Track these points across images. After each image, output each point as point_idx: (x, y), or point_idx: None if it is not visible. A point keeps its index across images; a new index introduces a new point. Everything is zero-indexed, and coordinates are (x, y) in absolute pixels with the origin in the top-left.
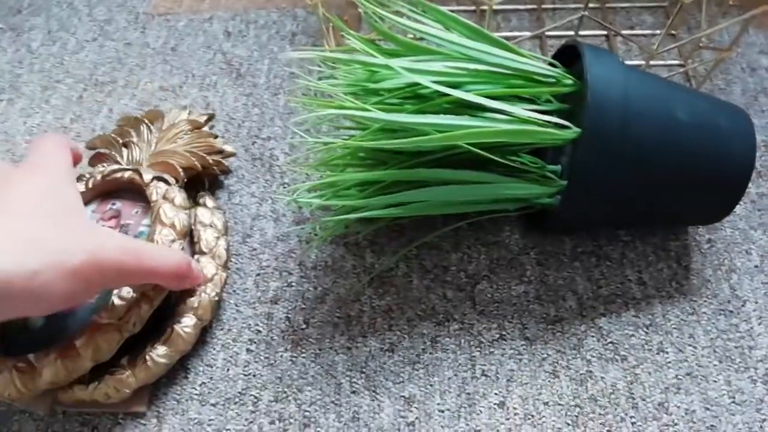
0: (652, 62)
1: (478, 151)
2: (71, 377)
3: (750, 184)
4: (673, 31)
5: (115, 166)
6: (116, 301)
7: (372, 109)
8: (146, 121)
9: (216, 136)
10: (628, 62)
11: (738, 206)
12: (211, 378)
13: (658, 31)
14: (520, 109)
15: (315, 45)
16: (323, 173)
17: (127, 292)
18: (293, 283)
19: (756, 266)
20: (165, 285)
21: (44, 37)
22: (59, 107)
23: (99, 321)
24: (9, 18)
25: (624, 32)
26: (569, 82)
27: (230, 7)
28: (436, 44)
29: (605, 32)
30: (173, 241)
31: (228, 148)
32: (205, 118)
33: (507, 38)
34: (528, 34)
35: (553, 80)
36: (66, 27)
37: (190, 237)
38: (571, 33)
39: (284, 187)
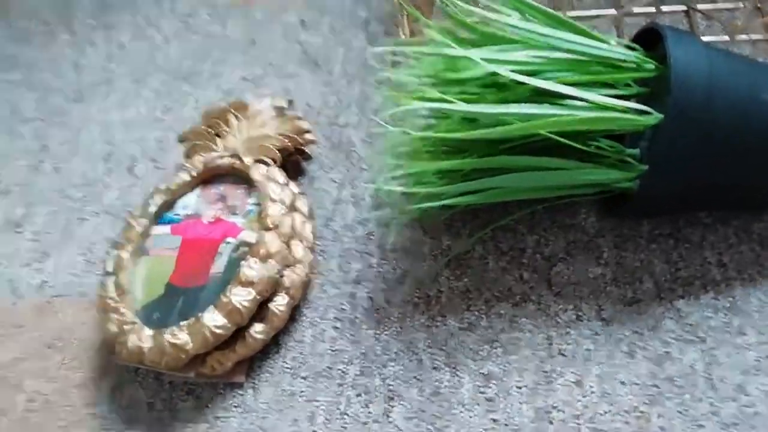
0: (736, 38)
1: (559, 138)
2: (217, 343)
3: None
4: (759, 4)
5: (216, 154)
6: (246, 271)
7: (454, 100)
8: (233, 111)
9: (301, 118)
10: (709, 38)
11: None
12: (301, 353)
13: (741, 4)
14: (600, 96)
15: (387, 31)
16: (401, 162)
17: (255, 261)
18: (374, 265)
19: None
20: None
21: (133, 33)
22: (150, 100)
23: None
24: (100, 16)
25: (706, 6)
26: (650, 66)
27: None
28: (514, 33)
29: (685, 7)
30: (285, 214)
31: (309, 135)
32: (286, 102)
33: (583, 17)
34: (605, 12)
35: (634, 65)
36: (152, 22)
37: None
38: (651, 9)
39: (363, 173)
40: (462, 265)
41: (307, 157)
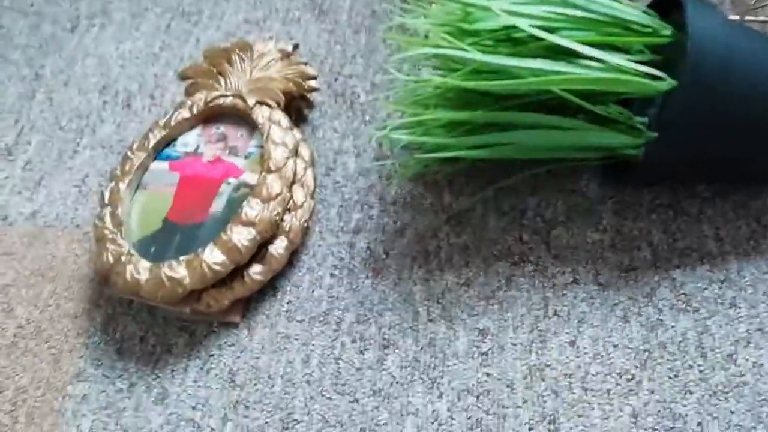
0: (746, 17)
1: (571, 97)
2: (214, 280)
3: None
4: None
5: (217, 93)
6: (248, 211)
7: (469, 49)
8: (236, 51)
9: (306, 63)
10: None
11: None
12: (297, 297)
13: None
14: (615, 58)
15: None
16: (410, 111)
17: (256, 202)
18: (374, 216)
19: None
20: None
21: None
22: (148, 35)
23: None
24: None
25: None
26: (667, 32)
27: None
28: None
29: None
30: (288, 158)
31: (313, 82)
32: (291, 46)
33: None
34: None
35: (650, 30)
36: None
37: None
38: None
39: (366, 124)
40: (462, 222)
41: (310, 105)
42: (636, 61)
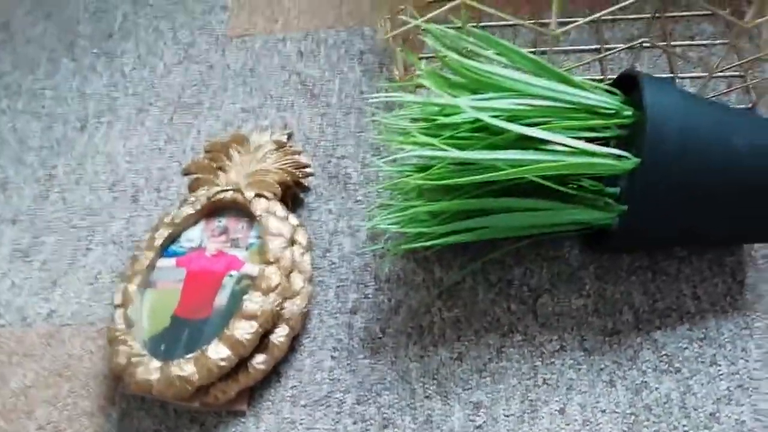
0: (717, 74)
1: (545, 182)
2: (221, 374)
3: None
4: (734, 42)
5: (218, 188)
6: (248, 305)
7: (443, 146)
8: (234, 145)
9: (300, 152)
10: (687, 74)
11: None
12: (300, 381)
13: (717, 41)
14: (581, 142)
15: (382, 64)
16: (395, 202)
17: (257, 295)
18: (370, 295)
19: None
20: None
21: (135, 61)
22: (153, 129)
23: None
24: (102, 43)
25: (683, 43)
26: (628, 113)
27: (302, 26)
28: (502, 80)
29: (664, 43)
30: (285, 248)
31: (308, 169)
32: (286, 136)
33: (569, 50)
34: (588, 56)
35: (613, 111)
36: (154, 51)
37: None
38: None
39: (359, 204)
40: (453, 296)
41: (305, 189)
42: (604, 138)
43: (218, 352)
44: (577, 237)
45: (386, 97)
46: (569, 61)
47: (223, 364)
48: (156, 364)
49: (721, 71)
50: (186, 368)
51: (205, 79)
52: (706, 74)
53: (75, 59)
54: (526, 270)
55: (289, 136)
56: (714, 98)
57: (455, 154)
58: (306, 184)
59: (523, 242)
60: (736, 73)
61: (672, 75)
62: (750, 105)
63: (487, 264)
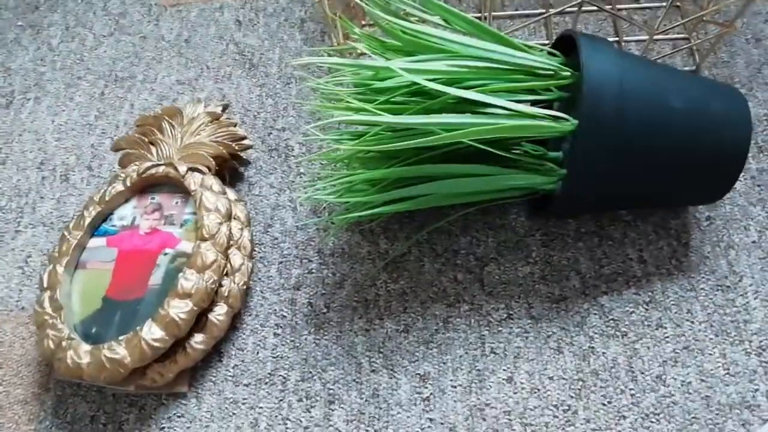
0: (656, 37)
1: (482, 146)
2: (156, 356)
3: (750, 160)
4: (678, 3)
5: (149, 163)
6: (183, 283)
7: (377, 111)
8: (166, 118)
9: (235, 124)
10: (631, 38)
11: (738, 182)
12: (242, 361)
13: (663, 3)
14: (519, 105)
15: (323, 32)
16: (335, 168)
17: (191, 273)
18: (313, 270)
19: (753, 242)
20: None
21: (63, 33)
22: (83, 104)
23: (171, 301)
24: (28, 15)
25: (628, 6)
26: (567, 74)
27: None
28: (439, 42)
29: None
30: (221, 223)
31: (246, 141)
32: (221, 108)
33: (514, 16)
34: (532, 16)
35: (552, 72)
36: (83, 22)
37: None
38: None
39: (301, 177)
40: (399, 268)
41: (244, 163)
42: (547, 100)
43: (152, 332)
44: (524, 204)
45: (311, 61)
46: (515, 24)
47: (157, 345)
48: (86, 347)
49: (665, 33)
50: (118, 351)
51: (137, 50)
52: (648, 39)
53: None
54: (472, 239)
55: (225, 108)
56: (659, 61)
57: (388, 119)
58: (245, 157)
59: (470, 210)
60: (681, 36)
61: (617, 38)
62: (694, 67)
63: (433, 234)
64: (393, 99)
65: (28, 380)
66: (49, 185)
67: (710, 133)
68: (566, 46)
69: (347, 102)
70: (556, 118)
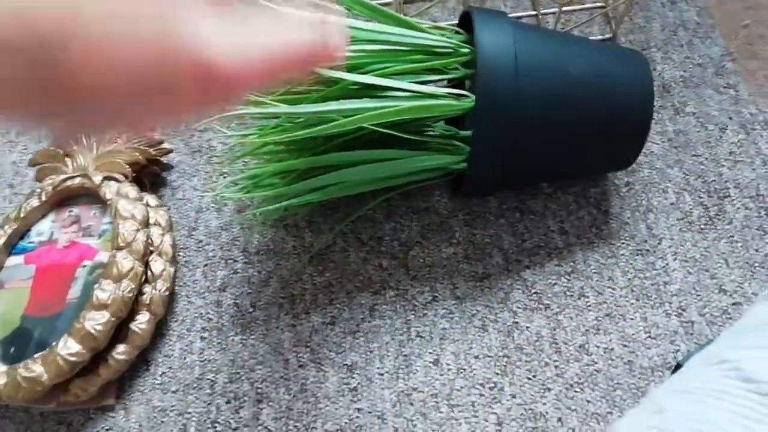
0: (571, 7)
1: (382, 130)
2: (74, 371)
3: (667, 122)
4: None
5: (64, 176)
6: (99, 294)
7: (272, 102)
8: None
9: (152, 129)
10: (549, 10)
11: (655, 145)
12: (170, 367)
13: None
14: (418, 86)
15: None
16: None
17: (107, 283)
18: (239, 270)
19: (672, 203)
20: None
21: None
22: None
23: (87, 313)
24: None
25: None
26: (465, 50)
27: None
28: None
29: None
30: (137, 230)
31: (166, 145)
32: None
33: None
34: None
35: (451, 50)
36: None
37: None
38: None
39: (224, 177)
40: (325, 260)
41: (166, 167)
42: (453, 79)
43: (68, 347)
44: (446, 186)
45: None
46: (427, 5)
47: (73, 359)
48: (2, 368)
49: (581, 3)
50: (34, 368)
51: None
52: (559, 7)
53: None
54: (396, 224)
55: None
56: (575, 30)
57: (283, 109)
58: (165, 161)
59: (393, 194)
60: (598, 4)
61: (535, 12)
62: (611, 34)
63: (357, 223)
64: (293, 89)
65: None
66: None
67: (611, 97)
68: (469, 23)
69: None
70: (458, 96)
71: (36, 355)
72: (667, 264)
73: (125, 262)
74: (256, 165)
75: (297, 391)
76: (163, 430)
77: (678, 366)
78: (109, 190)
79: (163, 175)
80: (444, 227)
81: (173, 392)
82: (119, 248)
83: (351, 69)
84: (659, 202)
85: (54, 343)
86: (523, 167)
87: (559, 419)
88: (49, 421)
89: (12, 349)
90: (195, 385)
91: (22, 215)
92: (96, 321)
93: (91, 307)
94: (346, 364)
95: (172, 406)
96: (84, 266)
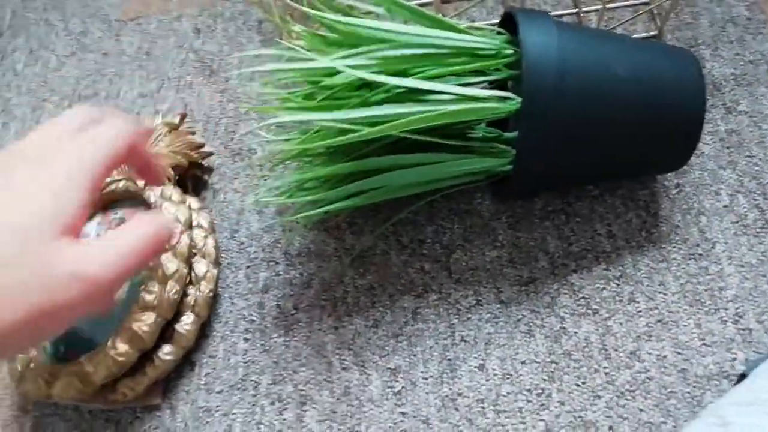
0: (614, 4)
1: (415, 137)
2: (123, 370)
3: (719, 121)
4: None
5: (108, 179)
6: (145, 296)
7: (309, 110)
8: None
9: (194, 132)
10: (591, 8)
11: (706, 146)
12: (214, 368)
13: None
14: (461, 88)
15: (281, 31)
16: (296, 167)
17: (153, 285)
18: (281, 272)
19: (725, 206)
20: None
21: (27, 57)
22: None
23: (134, 314)
24: None
25: None
26: (509, 52)
27: (197, 2)
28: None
29: None
30: (181, 233)
31: (207, 148)
32: (179, 118)
33: None
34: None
35: (494, 52)
36: (45, 44)
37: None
38: None
39: (264, 180)
40: (366, 263)
41: (208, 170)
42: (496, 80)
43: (117, 347)
44: (489, 188)
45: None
46: (467, 5)
47: (122, 359)
48: (53, 367)
49: (624, 0)
50: (85, 368)
51: (100, 67)
52: (610, 4)
53: None
54: (438, 227)
55: (182, 118)
56: (618, 28)
57: (322, 116)
58: (207, 165)
59: (435, 197)
60: (643, 0)
61: (576, 10)
62: (656, 32)
63: (398, 226)
64: (335, 95)
65: (7, 402)
66: None
67: (661, 97)
68: (511, 23)
69: (290, 102)
70: (502, 99)
71: (86, 355)
72: (721, 269)
73: (170, 264)
74: (298, 170)
75: (340, 393)
76: (209, 430)
77: (743, 376)
78: (153, 194)
79: (204, 178)
80: (487, 230)
81: (218, 392)
82: (164, 250)
83: (393, 73)
84: (711, 205)
85: (103, 343)
86: (569, 169)
87: (611, 427)
88: (98, 419)
89: (61, 348)
90: (239, 386)
91: None
92: (143, 322)
93: (139, 309)
94: (389, 368)
95: (217, 406)
96: None
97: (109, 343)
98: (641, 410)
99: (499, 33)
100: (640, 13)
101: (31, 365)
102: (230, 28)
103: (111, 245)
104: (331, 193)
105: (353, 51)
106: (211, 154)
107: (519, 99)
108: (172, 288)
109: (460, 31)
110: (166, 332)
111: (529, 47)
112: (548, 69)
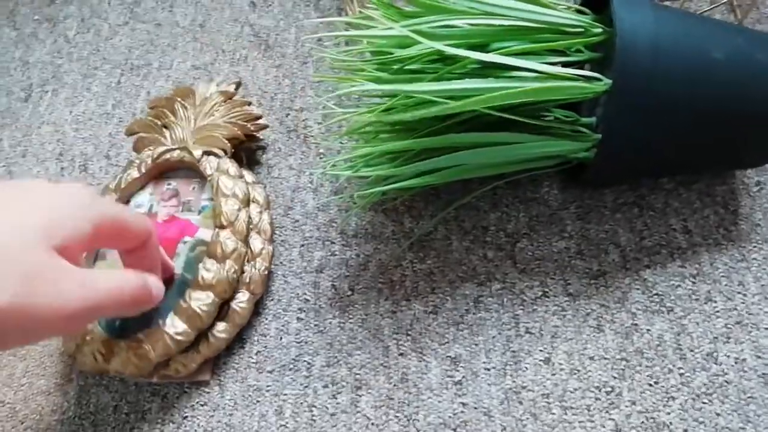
0: None
1: (499, 114)
2: (180, 349)
3: None
4: None
5: (163, 148)
6: (204, 274)
7: (390, 80)
8: (179, 99)
9: (249, 103)
10: None
11: None
12: (265, 347)
13: None
14: (546, 65)
15: (340, 8)
16: (354, 143)
17: (212, 263)
18: (336, 252)
19: None
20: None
21: (79, 25)
22: (100, 94)
23: (193, 292)
24: (44, 9)
25: None
26: (598, 30)
27: None
28: (458, 3)
29: None
30: (239, 209)
31: (261, 121)
32: (234, 86)
33: None
34: None
35: (582, 30)
36: (98, 13)
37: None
38: None
39: (320, 158)
40: (425, 247)
41: (262, 146)
42: (575, 61)
43: (175, 326)
44: (557, 176)
45: (324, 35)
46: None
47: (180, 338)
48: (110, 342)
49: None
50: (143, 345)
51: (152, 38)
52: None
53: (17, 28)
54: (502, 214)
55: (237, 86)
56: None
57: (398, 87)
58: (261, 138)
59: (499, 183)
60: None
61: None
62: (736, 24)
63: (460, 211)
64: (410, 67)
65: (51, 371)
66: (69, 176)
67: (752, 86)
68: (596, 2)
69: (362, 72)
70: (588, 79)
71: (143, 332)
72: None
73: (229, 242)
74: (366, 143)
75: (398, 380)
76: (258, 409)
77: None
78: (209, 165)
79: (258, 153)
80: (554, 220)
81: (269, 372)
82: (222, 227)
83: (473, 47)
84: None
85: (160, 321)
86: (653, 157)
87: (685, 431)
88: (143, 392)
89: (117, 322)
90: (291, 366)
91: (122, 185)
92: (201, 301)
93: (197, 287)
94: (449, 356)
95: (268, 386)
96: (185, 242)
97: (167, 321)
98: (718, 414)
99: (578, 11)
100: (719, 4)
101: (87, 338)
102: (287, 2)
103: (99, 284)
104: (400, 170)
105: (431, 18)
106: (266, 126)
107: (608, 80)
108: (231, 267)
109: (545, 5)
110: (221, 310)
111: (624, 24)
112: (643, 49)
